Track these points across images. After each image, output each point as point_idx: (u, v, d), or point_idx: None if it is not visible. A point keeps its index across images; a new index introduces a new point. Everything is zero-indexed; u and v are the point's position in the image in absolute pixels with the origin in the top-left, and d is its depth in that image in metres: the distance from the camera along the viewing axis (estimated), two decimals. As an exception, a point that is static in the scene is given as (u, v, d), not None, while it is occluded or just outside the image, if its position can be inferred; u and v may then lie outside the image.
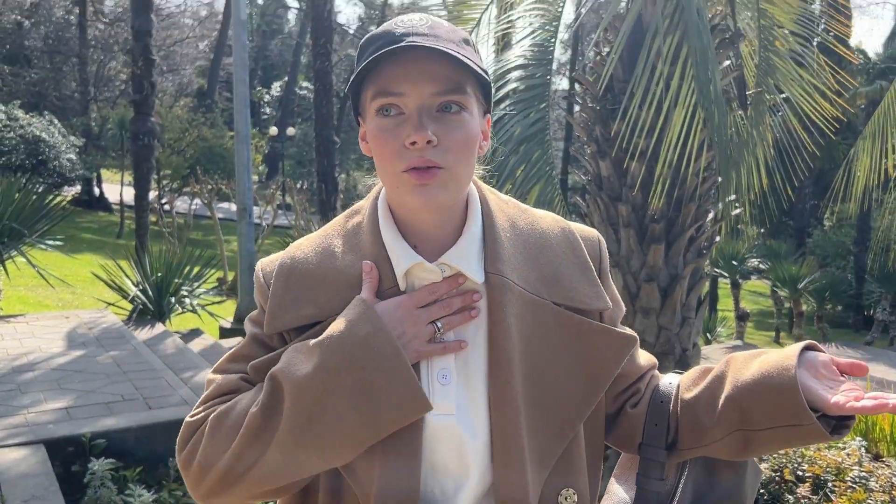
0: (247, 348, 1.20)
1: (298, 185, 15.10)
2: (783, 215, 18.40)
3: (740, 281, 13.81)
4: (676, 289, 4.67)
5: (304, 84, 39.56)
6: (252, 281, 9.77)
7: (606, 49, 4.85)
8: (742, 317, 12.30)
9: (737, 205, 4.89)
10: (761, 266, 14.44)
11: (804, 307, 12.93)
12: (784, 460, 5.69)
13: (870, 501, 5.15)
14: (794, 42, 5.05)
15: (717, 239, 5.08)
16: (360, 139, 1.16)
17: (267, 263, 1.22)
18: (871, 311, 15.81)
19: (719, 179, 4.93)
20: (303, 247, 1.21)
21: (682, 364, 4.74)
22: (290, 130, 33.39)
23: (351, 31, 37.48)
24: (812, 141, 5.09)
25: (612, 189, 4.73)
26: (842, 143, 14.89)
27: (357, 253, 1.17)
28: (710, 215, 4.89)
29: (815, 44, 5.79)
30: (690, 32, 3.55)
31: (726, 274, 13.62)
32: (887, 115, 5.13)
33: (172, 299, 8.84)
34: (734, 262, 13.19)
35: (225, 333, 9.38)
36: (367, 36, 1.12)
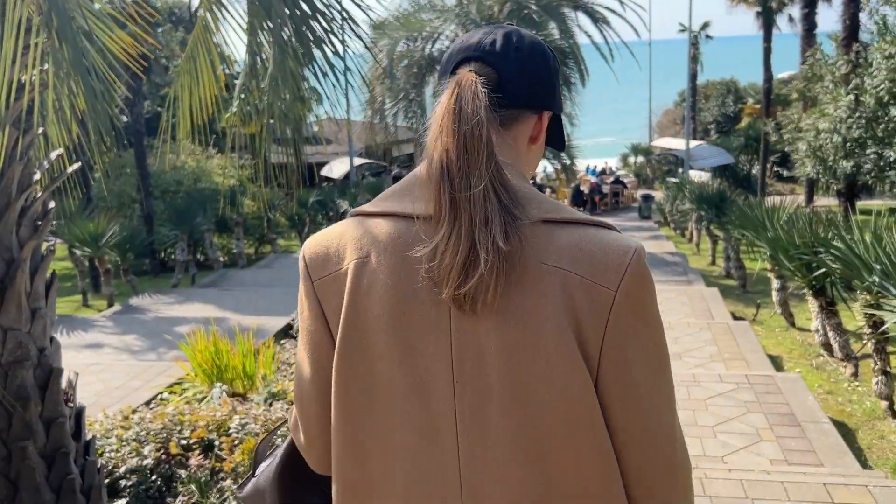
0: None
1: None
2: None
3: None
4: (18, 277, 3.58)
5: None
6: None
7: None
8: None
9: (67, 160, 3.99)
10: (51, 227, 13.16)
11: (108, 264, 12.25)
12: (165, 434, 5.21)
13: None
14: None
15: (52, 206, 4.08)
16: (535, 129, 1.21)
17: None
18: (165, 254, 16.13)
19: (41, 130, 3.93)
20: None
21: (44, 367, 3.73)
22: None
23: None
24: (124, 83, 4.48)
25: None
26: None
27: None
28: (37, 177, 3.87)
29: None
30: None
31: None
32: (199, 45, 4.84)
33: None
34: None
35: None
36: None
